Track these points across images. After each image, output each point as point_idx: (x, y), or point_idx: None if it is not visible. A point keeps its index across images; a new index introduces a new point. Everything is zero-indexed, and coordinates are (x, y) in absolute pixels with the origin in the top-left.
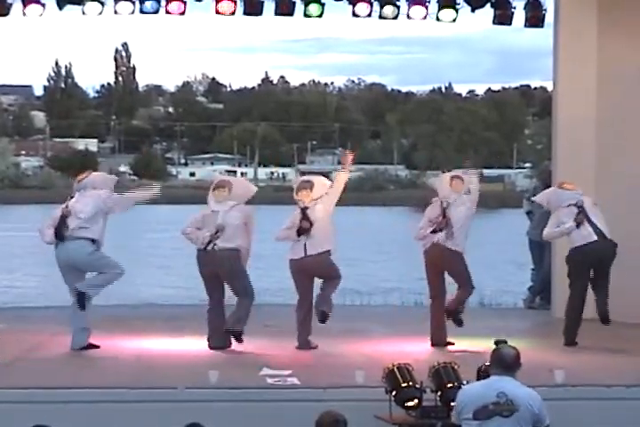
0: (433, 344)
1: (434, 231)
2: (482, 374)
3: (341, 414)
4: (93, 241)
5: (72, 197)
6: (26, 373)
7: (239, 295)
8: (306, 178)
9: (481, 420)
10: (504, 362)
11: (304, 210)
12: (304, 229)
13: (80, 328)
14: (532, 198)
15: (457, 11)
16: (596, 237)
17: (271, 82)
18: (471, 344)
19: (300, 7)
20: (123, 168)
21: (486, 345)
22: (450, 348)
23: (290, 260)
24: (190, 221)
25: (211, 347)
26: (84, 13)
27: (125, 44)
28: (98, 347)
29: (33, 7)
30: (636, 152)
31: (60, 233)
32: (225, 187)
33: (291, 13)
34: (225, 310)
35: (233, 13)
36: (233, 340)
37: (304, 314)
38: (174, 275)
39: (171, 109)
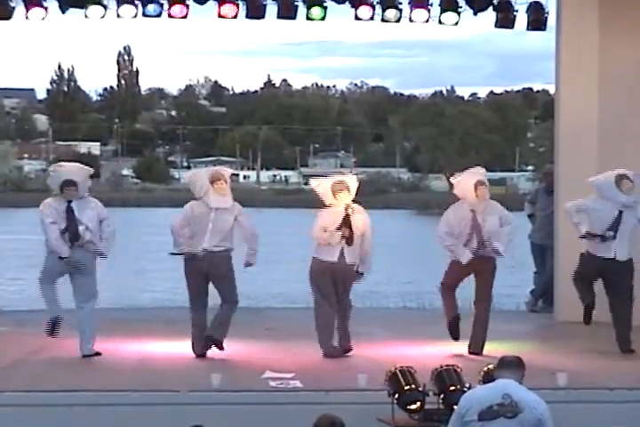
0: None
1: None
2: (486, 376)
3: (338, 416)
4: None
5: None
6: (28, 376)
7: (225, 300)
8: (338, 179)
9: (485, 421)
10: (510, 366)
11: (347, 216)
12: (345, 234)
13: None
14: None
15: (459, 14)
16: (612, 256)
17: (273, 85)
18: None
19: (302, 10)
20: (125, 171)
21: (489, 349)
22: (452, 351)
23: (320, 260)
24: (179, 220)
25: (197, 355)
26: (86, 17)
27: (128, 47)
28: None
29: (35, 10)
30: (638, 154)
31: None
32: (221, 179)
33: (293, 17)
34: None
35: (235, 17)
36: (214, 347)
37: (328, 320)
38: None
39: (173, 113)
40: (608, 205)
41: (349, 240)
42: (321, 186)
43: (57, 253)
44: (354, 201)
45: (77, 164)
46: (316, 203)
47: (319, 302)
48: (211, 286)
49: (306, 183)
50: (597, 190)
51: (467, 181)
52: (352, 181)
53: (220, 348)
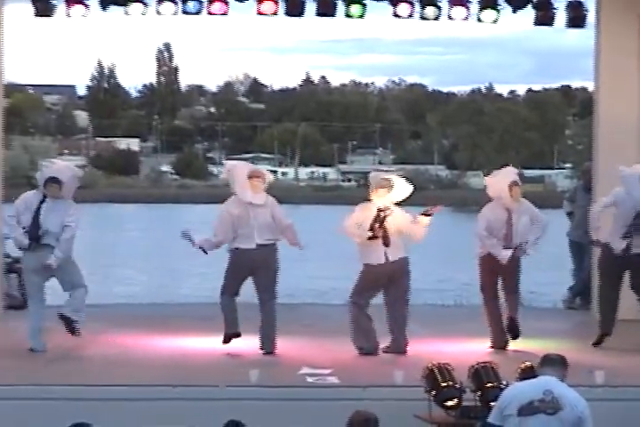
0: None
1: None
2: (524, 373)
3: (372, 413)
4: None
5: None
6: (70, 370)
7: (266, 297)
8: (387, 176)
9: (525, 416)
10: (553, 364)
11: (380, 213)
12: (377, 234)
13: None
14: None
15: (498, 11)
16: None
17: (312, 82)
18: (512, 344)
19: (341, 8)
20: (164, 168)
21: (526, 345)
22: (489, 348)
23: (369, 265)
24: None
25: (227, 334)
26: (127, 14)
27: (168, 44)
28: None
29: (77, 8)
30: None
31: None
32: (260, 177)
33: (332, 14)
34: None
35: (275, 14)
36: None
37: (366, 320)
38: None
39: (212, 109)
40: (628, 201)
41: (385, 241)
42: (372, 178)
43: (17, 244)
44: (397, 203)
45: (70, 164)
46: (353, 199)
47: (358, 304)
48: None
49: (344, 180)
50: (622, 183)
51: (501, 182)
52: (402, 184)
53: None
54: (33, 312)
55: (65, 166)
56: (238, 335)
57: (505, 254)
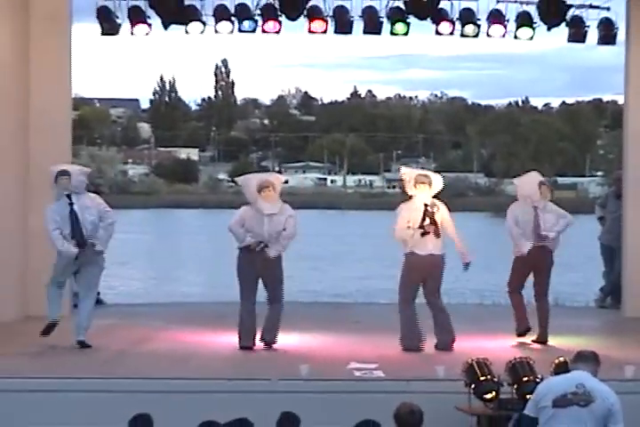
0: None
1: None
2: (557, 368)
3: (417, 405)
4: None
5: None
6: (131, 364)
7: (273, 301)
8: (423, 172)
9: (558, 407)
10: (587, 360)
11: (427, 208)
12: (429, 230)
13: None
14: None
15: (534, 29)
16: None
17: (359, 96)
18: (549, 341)
19: (386, 26)
20: (221, 175)
21: (560, 342)
22: (526, 344)
23: (412, 253)
24: (237, 220)
25: (241, 347)
26: (186, 32)
27: (225, 60)
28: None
29: (140, 27)
30: None
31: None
32: (270, 187)
33: (378, 32)
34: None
35: (325, 32)
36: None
37: (412, 314)
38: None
39: (266, 121)
40: None
41: (436, 233)
42: (407, 174)
43: (67, 255)
44: (436, 197)
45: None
46: (397, 205)
47: (404, 298)
48: None
49: (389, 187)
50: None
51: (531, 181)
52: (437, 178)
53: (271, 347)
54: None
55: (69, 164)
56: (250, 348)
57: (527, 245)
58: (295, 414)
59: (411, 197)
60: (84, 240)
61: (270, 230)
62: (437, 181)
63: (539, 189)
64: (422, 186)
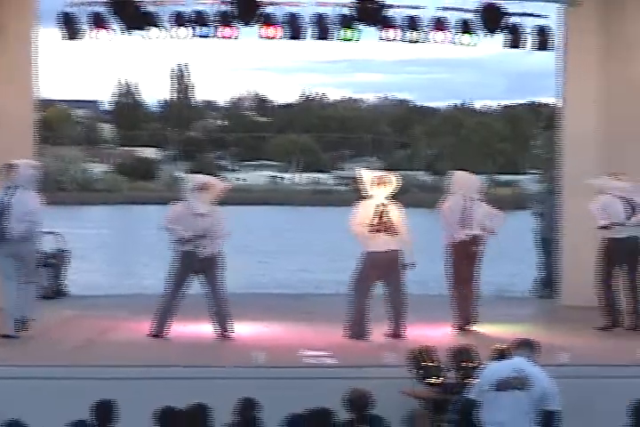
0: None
1: None
2: (497, 354)
3: (368, 390)
4: None
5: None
6: (95, 353)
7: (215, 292)
8: (381, 174)
9: (499, 391)
10: (526, 347)
11: (381, 207)
12: (380, 229)
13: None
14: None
15: (474, 36)
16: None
17: (311, 98)
18: (487, 329)
19: (336, 32)
20: (180, 174)
21: (499, 330)
22: (469, 331)
23: (371, 252)
24: (170, 218)
25: (151, 334)
26: (146, 38)
27: (183, 64)
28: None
29: (101, 32)
30: (635, 159)
31: None
32: (209, 190)
33: (328, 38)
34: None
35: (278, 37)
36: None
37: (367, 303)
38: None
39: (222, 122)
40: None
41: (389, 231)
42: (365, 176)
43: None
44: (392, 197)
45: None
46: (347, 202)
47: (358, 292)
48: None
49: (339, 184)
50: (602, 190)
51: (468, 176)
52: (394, 179)
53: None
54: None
55: (20, 160)
56: (161, 336)
57: (462, 233)
58: (255, 400)
59: (368, 198)
60: (2, 233)
61: (201, 228)
62: (394, 182)
63: (474, 185)
64: (379, 187)
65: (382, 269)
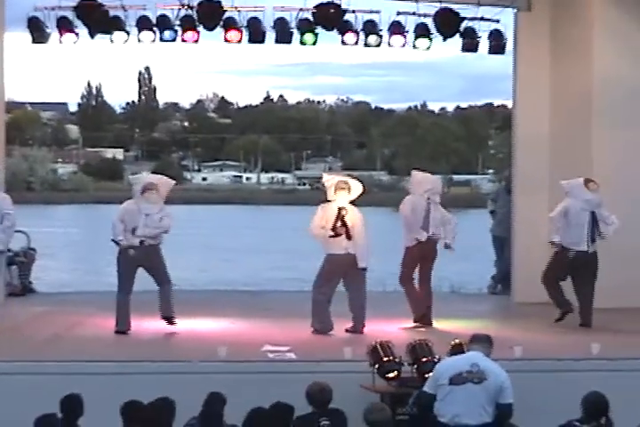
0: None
1: None
2: (453, 349)
3: (327, 384)
4: None
5: None
6: (63, 348)
7: (162, 282)
8: (344, 179)
9: (455, 385)
10: (480, 342)
11: (340, 211)
12: (340, 232)
13: None
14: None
15: (431, 40)
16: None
17: (272, 100)
18: (443, 325)
19: (296, 36)
20: (145, 174)
21: (455, 325)
22: (425, 327)
23: (332, 254)
24: (120, 215)
25: (117, 331)
26: (111, 41)
27: (147, 67)
28: None
29: (68, 36)
30: (584, 159)
31: None
32: (153, 189)
33: (289, 42)
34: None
35: (240, 41)
36: (167, 323)
37: (325, 305)
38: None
39: (186, 123)
40: (579, 208)
41: (347, 235)
42: (329, 181)
43: None
44: (352, 203)
45: None
46: (307, 200)
47: (321, 290)
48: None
49: (299, 184)
50: (570, 194)
51: (432, 178)
52: (356, 184)
53: (174, 323)
54: None
55: None
56: (125, 333)
57: (424, 234)
58: (222, 394)
59: (330, 201)
60: None
61: (146, 227)
62: (356, 188)
63: (439, 186)
64: (342, 191)
65: (343, 270)
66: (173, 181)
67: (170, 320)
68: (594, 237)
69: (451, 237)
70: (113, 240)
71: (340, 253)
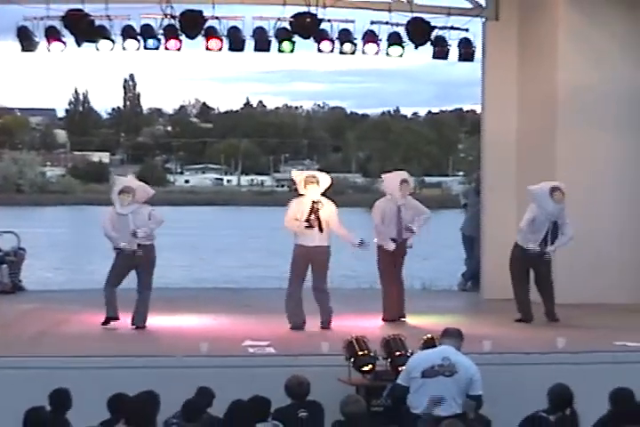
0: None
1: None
2: (425, 344)
3: (305, 377)
4: None
5: None
6: (51, 344)
7: (144, 288)
8: (311, 173)
9: (427, 378)
10: (451, 336)
11: (314, 204)
12: (314, 224)
13: None
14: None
15: (403, 47)
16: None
17: (251, 106)
18: (415, 320)
19: (274, 44)
20: (130, 176)
21: (427, 321)
22: (398, 323)
23: (300, 245)
24: (107, 224)
25: (109, 318)
26: (97, 49)
27: (132, 74)
28: None
29: (56, 44)
30: (548, 161)
31: None
32: (129, 193)
33: (267, 49)
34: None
35: (220, 49)
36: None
37: (298, 297)
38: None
39: (169, 128)
40: (541, 215)
41: (319, 228)
42: (297, 176)
43: None
44: (323, 195)
45: None
46: (286, 201)
47: (293, 283)
48: None
49: (278, 186)
50: (534, 200)
51: (394, 179)
52: (324, 177)
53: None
54: None
55: None
56: (117, 319)
57: (391, 245)
58: (210, 389)
59: (302, 195)
60: None
61: (133, 226)
62: (324, 180)
63: (400, 187)
64: (311, 185)
65: (310, 262)
66: (153, 192)
67: (140, 328)
68: (547, 242)
69: (417, 225)
70: (115, 248)
71: (309, 244)
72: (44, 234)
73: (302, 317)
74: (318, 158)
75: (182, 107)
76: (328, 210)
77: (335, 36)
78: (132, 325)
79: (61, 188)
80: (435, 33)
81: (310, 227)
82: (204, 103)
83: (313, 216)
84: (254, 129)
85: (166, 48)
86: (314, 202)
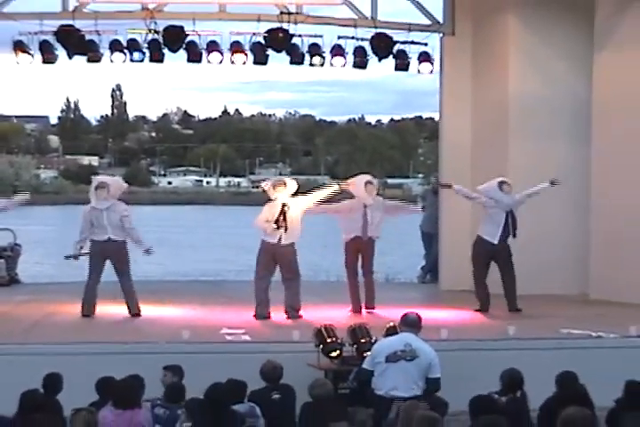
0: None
1: None
2: (388, 331)
3: (278, 362)
4: None
5: None
6: (44, 332)
7: (125, 279)
8: (278, 178)
9: (390, 362)
10: (411, 324)
11: (284, 206)
12: (281, 225)
13: None
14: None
15: (367, 60)
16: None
17: (229, 114)
18: (379, 310)
19: (250, 57)
20: (110, 176)
21: (389, 311)
22: (363, 312)
23: (265, 241)
24: (85, 221)
25: (84, 315)
26: (87, 61)
27: (119, 84)
28: None
29: (49, 57)
30: (500, 163)
31: None
32: (104, 187)
33: (242, 62)
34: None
35: (199, 61)
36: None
37: (265, 288)
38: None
39: (153, 134)
40: (496, 208)
41: (285, 228)
42: (267, 185)
43: None
44: (293, 195)
45: None
46: (260, 201)
47: (258, 274)
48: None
49: (253, 187)
50: (487, 196)
51: (359, 182)
52: (290, 181)
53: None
54: None
55: None
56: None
57: (358, 232)
58: (179, 365)
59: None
60: None
61: (106, 222)
62: (291, 183)
63: (365, 188)
64: (279, 188)
65: (273, 256)
66: (126, 184)
67: (136, 315)
68: (506, 234)
69: (403, 210)
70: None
71: (272, 241)
72: (39, 231)
73: (268, 307)
74: (290, 162)
75: (165, 114)
76: (296, 211)
77: (305, 49)
78: (129, 314)
79: (54, 189)
80: (396, 47)
81: (278, 228)
82: (186, 111)
83: (282, 217)
84: (231, 135)
85: (151, 60)
86: (284, 204)
